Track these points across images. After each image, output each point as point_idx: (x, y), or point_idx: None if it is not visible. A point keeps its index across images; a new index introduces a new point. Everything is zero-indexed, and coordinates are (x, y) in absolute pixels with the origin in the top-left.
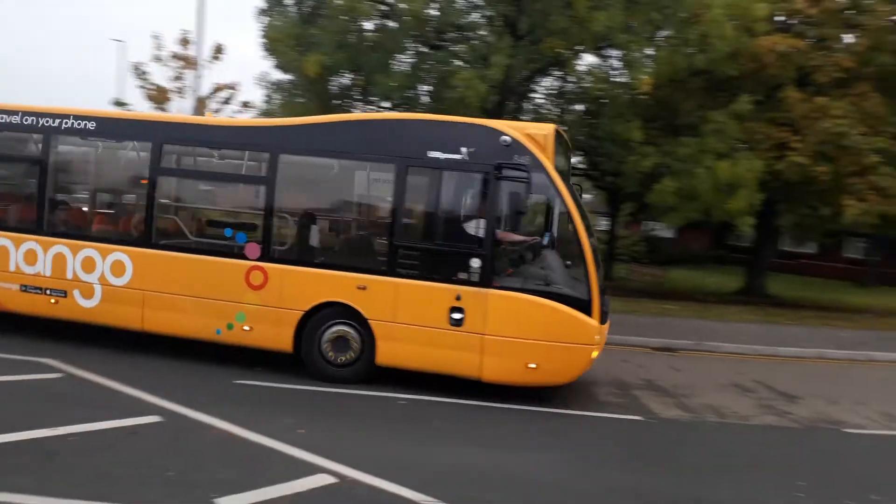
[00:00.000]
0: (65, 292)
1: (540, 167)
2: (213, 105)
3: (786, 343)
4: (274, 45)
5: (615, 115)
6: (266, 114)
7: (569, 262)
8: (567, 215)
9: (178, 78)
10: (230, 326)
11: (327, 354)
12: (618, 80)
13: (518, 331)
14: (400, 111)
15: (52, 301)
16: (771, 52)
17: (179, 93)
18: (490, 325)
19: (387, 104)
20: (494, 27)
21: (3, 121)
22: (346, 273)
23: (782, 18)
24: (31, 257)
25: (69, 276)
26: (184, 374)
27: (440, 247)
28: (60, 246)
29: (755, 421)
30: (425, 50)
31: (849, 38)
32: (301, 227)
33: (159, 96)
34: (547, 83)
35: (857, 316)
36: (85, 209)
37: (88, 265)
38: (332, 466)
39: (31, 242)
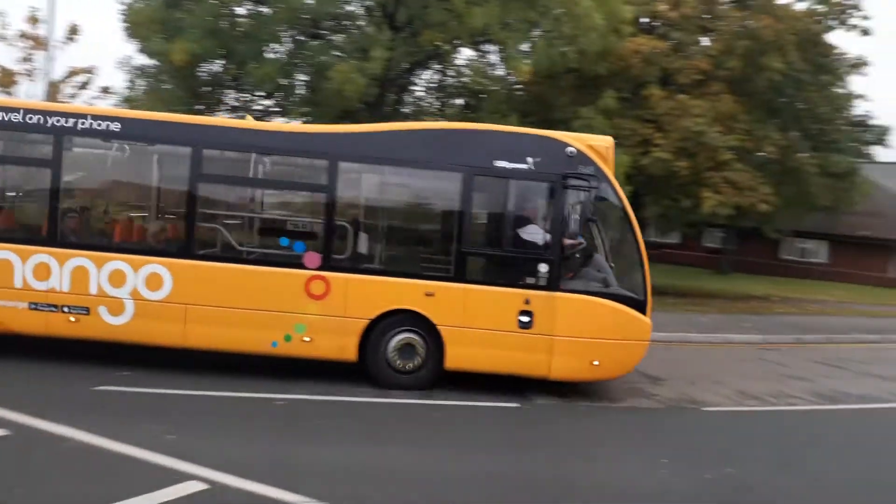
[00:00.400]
0: (87, 309)
1: (603, 177)
2: (67, 90)
3: (653, 328)
4: (136, 29)
5: (493, 109)
6: (129, 100)
7: (627, 266)
8: (627, 221)
9: (26, 59)
10: (288, 338)
11: (394, 362)
12: (496, 74)
13: (584, 331)
14: (275, 101)
15: (72, 319)
16: (636, 54)
17: (29, 76)
18: (558, 326)
19: (261, 93)
20: (373, 18)
21: (2, 119)
22: (414, 280)
23: (647, 20)
24: (42, 272)
25: (93, 291)
26: (35, 382)
27: (509, 253)
28: (81, 258)
29: (624, 403)
30: (302, 39)
31: (706, 42)
32: (365, 236)
33: (4, 79)
34: (427, 76)
35: (712, 301)
36: (111, 218)
37: (117, 279)
38: (203, 472)
39: (43, 255)
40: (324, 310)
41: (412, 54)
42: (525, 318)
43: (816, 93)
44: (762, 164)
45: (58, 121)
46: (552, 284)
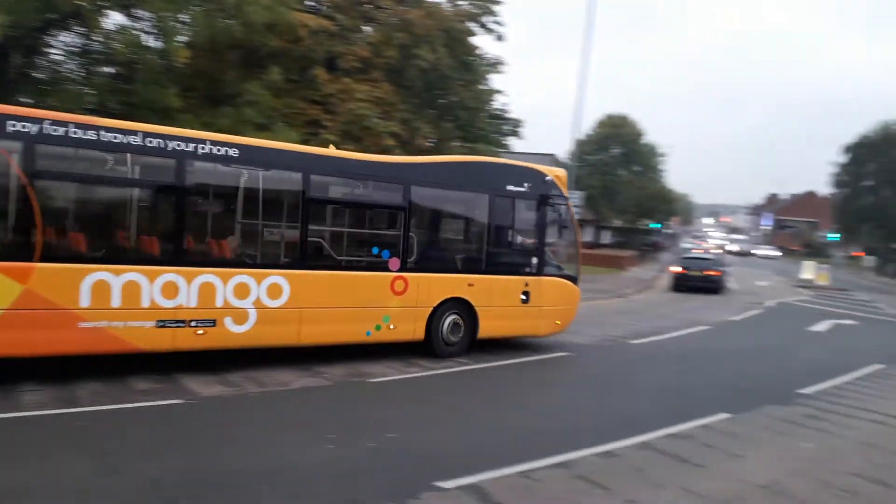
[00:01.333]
0: (214, 321)
1: (564, 197)
2: None
3: None
4: None
5: (150, 80)
6: None
7: (573, 255)
8: (573, 226)
9: None
10: (378, 328)
11: (448, 338)
12: (150, 44)
13: (555, 301)
14: None
15: (199, 332)
16: (305, 28)
17: None
18: (543, 299)
19: None
20: None
21: (119, 141)
22: (461, 275)
23: (312, 3)
24: (170, 290)
25: (219, 304)
26: None
27: (516, 251)
28: (208, 275)
29: (294, 385)
30: None
31: (368, 30)
32: (429, 243)
33: None
34: (68, 39)
35: None
36: (234, 237)
37: (241, 291)
38: None
39: (171, 275)
40: (403, 302)
41: (46, 10)
42: (524, 297)
43: (463, 88)
44: (420, 153)
45: (178, 145)
46: (539, 271)
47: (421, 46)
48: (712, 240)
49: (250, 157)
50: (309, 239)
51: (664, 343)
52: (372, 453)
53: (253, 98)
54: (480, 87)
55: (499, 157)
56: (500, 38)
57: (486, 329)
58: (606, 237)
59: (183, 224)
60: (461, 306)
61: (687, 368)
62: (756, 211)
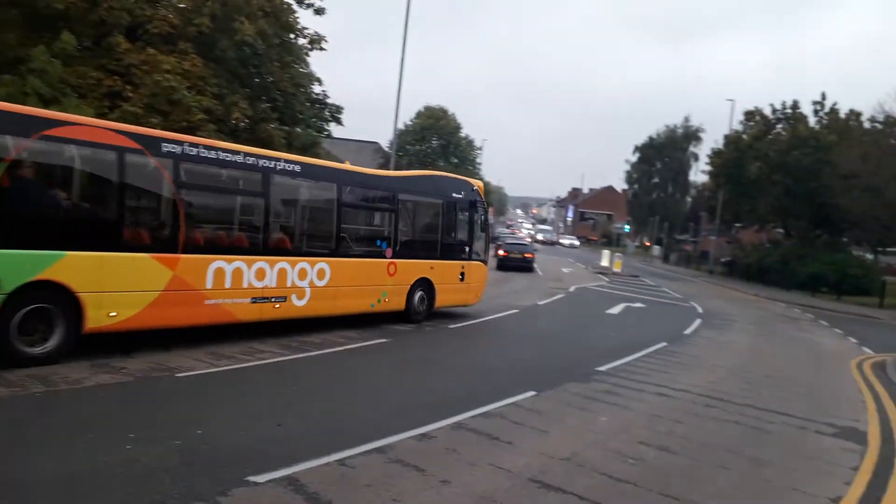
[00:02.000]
0: (285, 297)
1: (483, 202)
2: None
3: None
4: None
5: None
6: None
7: (485, 244)
8: (488, 223)
9: None
10: (379, 301)
11: (418, 308)
12: None
13: (478, 279)
14: None
15: (276, 306)
16: None
17: None
18: (471, 278)
19: None
20: None
21: (229, 159)
22: (426, 260)
23: None
24: (261, 274)
25: (289, 284)
26: None
27: (457, 242)
28: (283, 262)
29: (88, 383)
30: None
31: None
32: (408, 236)
33: None
34: None
35: None
36: (296, 233)
37: (302, 274)
38: None
39: (262, 262)
40: (394, 281)
41: None
42: (461, 276)
43: (280, 68)
44: (233, 132)
45: (265, 163)
46: (469, 257)
47: (238, 18)
48: (523, 229)
49: (306, 171)
50: (340, 234)
51: (478, 326)
52: (177, 452)
53: (39, 66)
54: (300, 69)
55: (319, 141)
56: (319, 11)
57: (440, 301)
58: None
59: (268, 222)
60: (425, 284)
61: (498, 350)
62: (561, 203)
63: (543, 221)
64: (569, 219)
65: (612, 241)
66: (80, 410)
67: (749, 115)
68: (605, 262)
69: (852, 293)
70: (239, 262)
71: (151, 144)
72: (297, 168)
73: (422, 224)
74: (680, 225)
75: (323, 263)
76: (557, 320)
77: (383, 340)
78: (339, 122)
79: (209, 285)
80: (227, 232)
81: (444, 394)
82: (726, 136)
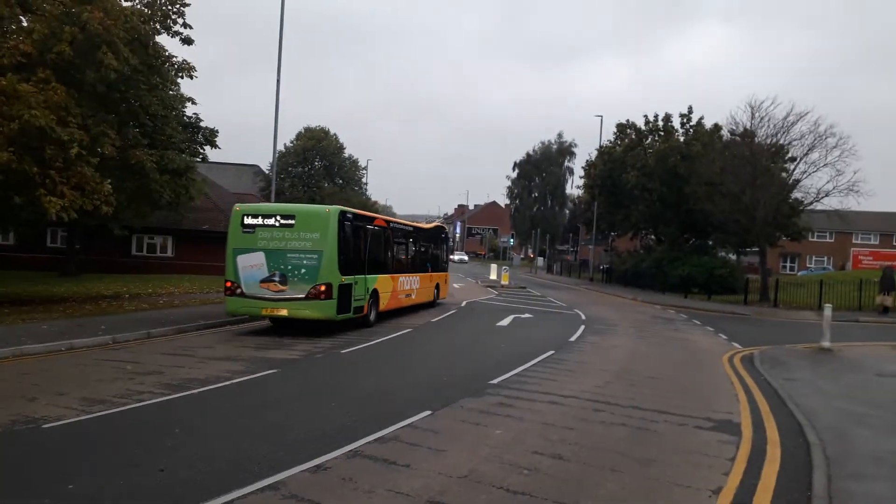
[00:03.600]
0: (410, 294)
1: (448, 236)
2: None
3: None
4: None
5: None
6: None
7: (446, 260)
8: (449, 248)
9: None
10: (428, 298)
11: (436, 299)
12: None
13: (445, 285)
14: None
15: (411, 297)
16: None
17: None
18: (445, 284)
19: None
20: None
21: (401, 226)
22: (435, 273)
23: None
24: (408, 282)
25: (408, 287)
26: None
27: (443, 261)
28: (406, 276)
29: None
30: None
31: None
32: (431, 260)
33: None
34: None
35: (58, 306)
36: (413, 261)
37: (415, 282)
38: None
39: (407, 276)
40: (431, 285)
41: None
42: (443, 282)
43: (148, 92)
44: (101, 161)
45: (410, 228)
46: (445, 269)
47: (102, 49)
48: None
49: (411, 229)
50: (417, 259)
51: (371, 349)
52: None
53: None
54: (170, 92)
55: (193, 165)
56: (187, 41)
57: (441, 294)
58: None
59: (409, 256)
60: (437, 286)
61: (393, 371)
62: (449, 220)
63: None
64: (457, 235)
65: (499, 254)
66: None
67: (621, 127)
68: (493, 276)
69: (720, 292)
70: (403, 277)
71: (388, 223)
72: (411, 229)
73: (433, 253)
74: (560, 236)
75: (412, 276)
76: (450, 336)
77: (271, 371)
78: (213, 144)
79: (399, 289)
80: (400, 262)
81: (339, 422)
82: (599, 149)
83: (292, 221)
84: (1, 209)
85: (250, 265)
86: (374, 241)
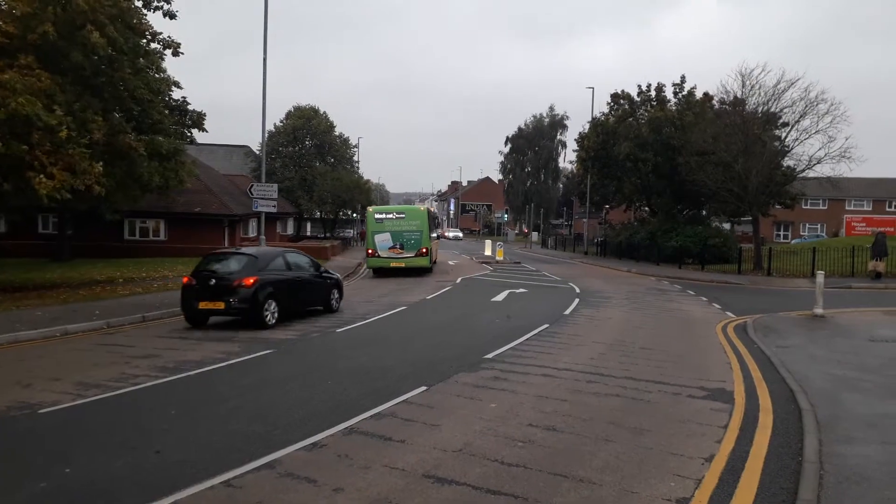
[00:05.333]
0: (429, 255)
1: (436, 214)
2: None
3: None
4: None
5: None
6: None
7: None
8: (436, 224)
9: None
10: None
11: (432, 261)
12: None
13: (436, 251)
14: None
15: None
16: None
17: None
18: (434, 252)
19: None
20: None
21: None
22: (432, 241)
23: None
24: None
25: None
26: None
27: (436, 233)
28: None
29: None
30: None
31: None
32: (432, 232)
33: None
34: None
35: (52, 291)
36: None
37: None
38: None
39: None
40: (431, 251)
41: None
42: (438, 247)
43: (133, 75)
44: (90, 145)
45: (429, 211)
46: (438, 238)
47: (87, 27)
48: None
49: (434, 212)
50: (430, 234)
51: (368, 327)
52: (43, 495)
53: None
54: (156, 75)
55: (181, 148)
56: (170, 15)
57: (435, 258)
58: (308, 228)
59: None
60: (430, 251)
61: (389, 348)
62: (443, 197)
63: None
64: (451, 211)
65: (493, 230)
66: None
67: (615, 97)
68: (488, 252)
69: (714, 262)
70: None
71: (430, 211)
72: (434, 212)
73: (432, 227)
74: (554, 210)
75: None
76: (446, 313)
77: (267, 352)
78: (201, 127)
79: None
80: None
81: (335, 400)
82: (592, 121)
83: (403, 215)
84: None
85: (382, 240)
86: (431, 222)
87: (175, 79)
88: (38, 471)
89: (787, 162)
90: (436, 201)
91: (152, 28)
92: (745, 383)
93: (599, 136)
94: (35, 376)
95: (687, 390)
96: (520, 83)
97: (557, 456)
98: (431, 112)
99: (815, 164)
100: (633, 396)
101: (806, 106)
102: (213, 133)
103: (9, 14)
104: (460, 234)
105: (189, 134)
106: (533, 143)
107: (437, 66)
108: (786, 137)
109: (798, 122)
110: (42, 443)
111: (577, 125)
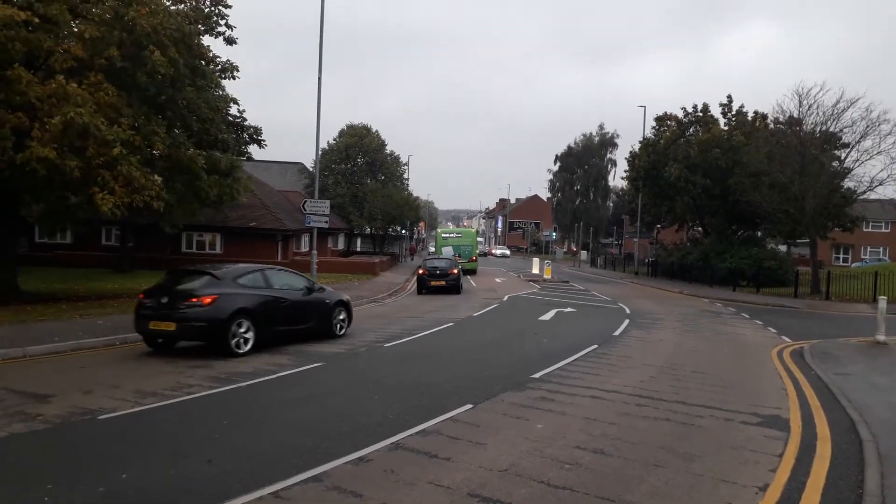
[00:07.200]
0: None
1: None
2: None
3: (38, 341)
4: None
5: None
6: None
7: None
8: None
9: None
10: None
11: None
12: None
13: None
14: None
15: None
16: None
17: None
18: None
19: None
20: None
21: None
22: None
23: None
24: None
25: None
26: None
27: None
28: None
29: (1, 434)
30: None
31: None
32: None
33: None
34: None
35: (113, 301)
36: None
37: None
38: None
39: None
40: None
41: None
42: (476, 258)
43: (195, 93)
44: (150, 160)
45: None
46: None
47: (150, 49)
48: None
49: (474, 234)
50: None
51: (414, 343)
52: (101, 498)
53: None
54: (216, 92)
55: (239, 164)
56: (230, 41)
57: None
58: (358, 244)
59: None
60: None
61: (435, 365)
62: (490, 215)
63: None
64: (499, 229)
65: (541, 248)
66: None
67: (660, 120)
68: (535, 270)
69: (769, 284)
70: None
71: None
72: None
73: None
74: (604, 229)
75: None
76: (492, 330)
77: (317, 365)
78: (259, 143)
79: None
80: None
81: (382, 415)
82: (642, 140)
83: (460, 234)
84: (57, 208)
85: (447, 251)
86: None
87: (233, 96)
88: (96, 474)
89: (847, 183)
90: (483, 219)
91: (211, 52)
92: (801, 411)
93: (650, 157)
94: (96, 383)
95: (740, 416)
96: (571, 102)
97: (605, 480)
98: (483, 133)
99: (876, 186)
100: (683, 421)
101: (867, 126)
102: (269, 150)
103: (79, 37)
104: (507, 252)
105: (247, 151)
106: (582, 161)
107: (492, 90)
108: (845, 158)
109: (859, 142)
110: (101, 448)
111: (627, 143)
